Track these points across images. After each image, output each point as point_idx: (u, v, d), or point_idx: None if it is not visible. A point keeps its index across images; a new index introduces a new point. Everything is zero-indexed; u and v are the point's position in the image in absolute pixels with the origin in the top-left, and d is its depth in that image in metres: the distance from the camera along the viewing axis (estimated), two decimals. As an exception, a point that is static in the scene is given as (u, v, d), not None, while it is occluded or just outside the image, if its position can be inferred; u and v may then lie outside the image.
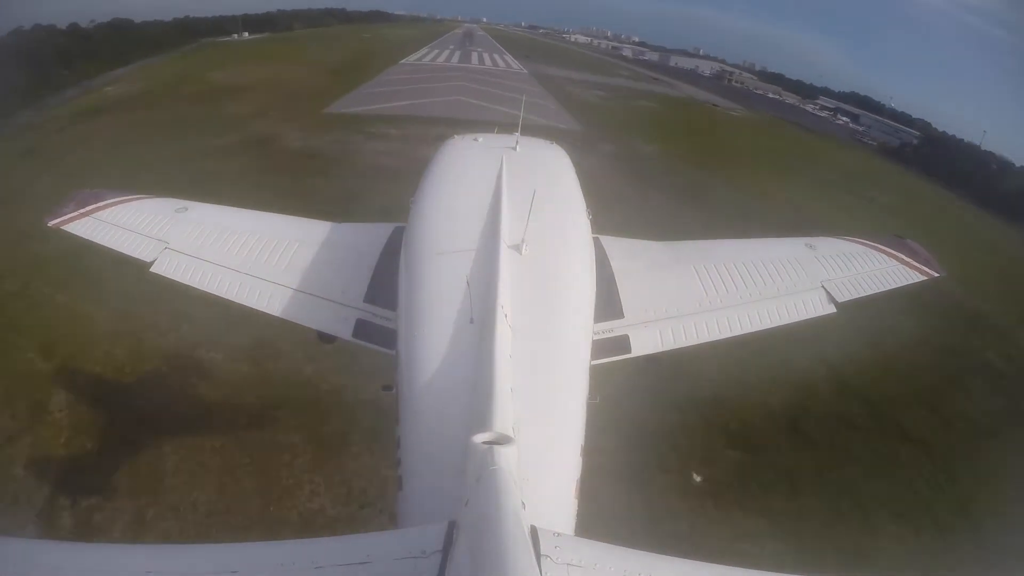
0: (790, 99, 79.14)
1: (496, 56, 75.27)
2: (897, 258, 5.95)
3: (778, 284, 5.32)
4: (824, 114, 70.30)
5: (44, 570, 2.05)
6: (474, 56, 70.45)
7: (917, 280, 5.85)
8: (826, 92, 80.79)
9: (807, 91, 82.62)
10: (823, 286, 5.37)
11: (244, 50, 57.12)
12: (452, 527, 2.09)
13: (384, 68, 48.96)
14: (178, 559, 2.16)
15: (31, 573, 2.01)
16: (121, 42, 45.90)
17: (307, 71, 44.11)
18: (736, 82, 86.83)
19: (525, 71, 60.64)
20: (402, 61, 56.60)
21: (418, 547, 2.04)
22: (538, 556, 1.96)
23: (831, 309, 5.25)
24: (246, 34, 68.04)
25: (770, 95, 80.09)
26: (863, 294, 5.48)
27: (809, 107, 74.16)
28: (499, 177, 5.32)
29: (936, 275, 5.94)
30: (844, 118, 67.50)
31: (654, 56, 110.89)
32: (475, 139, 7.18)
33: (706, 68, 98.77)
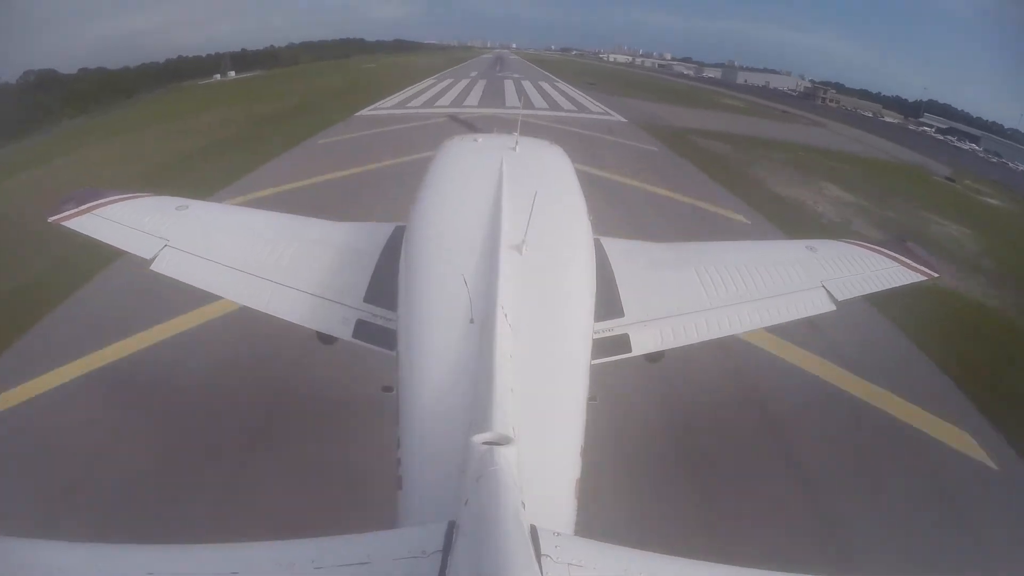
0: (891, 118, 62.89)
1: (546, 85, 50.28)
2: (897, 259, 5.99)
3: (778, 283, 5.34)
4: (965, 145, 50.18)
5: (43, 570, 2.05)
6: (508, 88, 45.55)
7: (916, 280, 5.88)
8: (899, 102, 64.81)
9: (900, 106, 65.29)
10: (823, 285, 5.39)
11: (180, 101, 41.91)
12: (452, 527, 2.09)
13: (295, 143, 24.25)
14: (178, 559, 2.16)
15: (30, 573, 2.01)
16: (32, 106, 33.00)
17: (157, 151, 24.18)
18: (830, 101, 71.77)
19: (615, 116, 35.44)
20: (362, 111, 32.43)
21: (418, 547, 2.04)
22: (538, 555, 1.96)
23: (831, 308, 5.27)
24: (232, 73, 61.60)
25: (885, 119, 62.71)
26: (863, 293, 5.51)
27: (934, 134, 53.84)
28: (499, 177, 5.33)
29: (935, 275, 5.97)
30: (972, 145, 50.31)
31: (715, 73, 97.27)
32: (475, 139, 7.21)
33: (776, 83, 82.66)
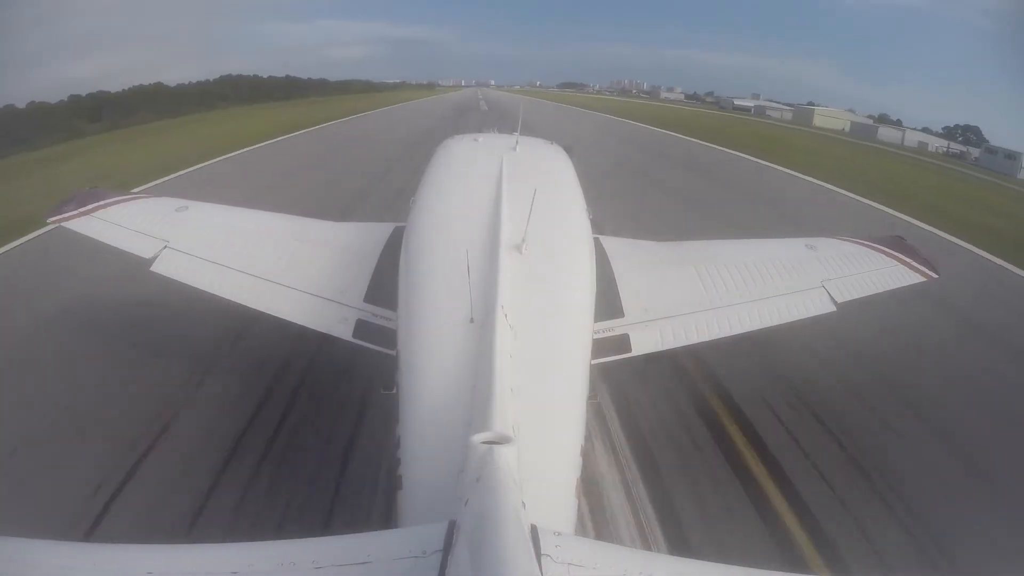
0: None
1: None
2: (897, 258, 5.97)
3: (778, 283, 5.33)
4: None
5: (42, 570, 2.05)
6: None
7: (916, 281, 5.87)
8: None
9: None
10: (823, 286, 5.38)
11: None
12: (452, 527, 2.09)
13: None
14: (177, 559, 2.16)
15: (29, 573, 2.01)
16: None
17: None
18: None
19: None
20: None
21: (418, 547, 2.03)
22: (538, 555, 1.95)
23: (831, 308, 5.26)
24: None
25: None
26: (863, 294, 5.49)
27: None
28: (499, 177, 5.33)
29: (935, 276, 5.95)
30: None
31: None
32: (475, 139, 7.21)
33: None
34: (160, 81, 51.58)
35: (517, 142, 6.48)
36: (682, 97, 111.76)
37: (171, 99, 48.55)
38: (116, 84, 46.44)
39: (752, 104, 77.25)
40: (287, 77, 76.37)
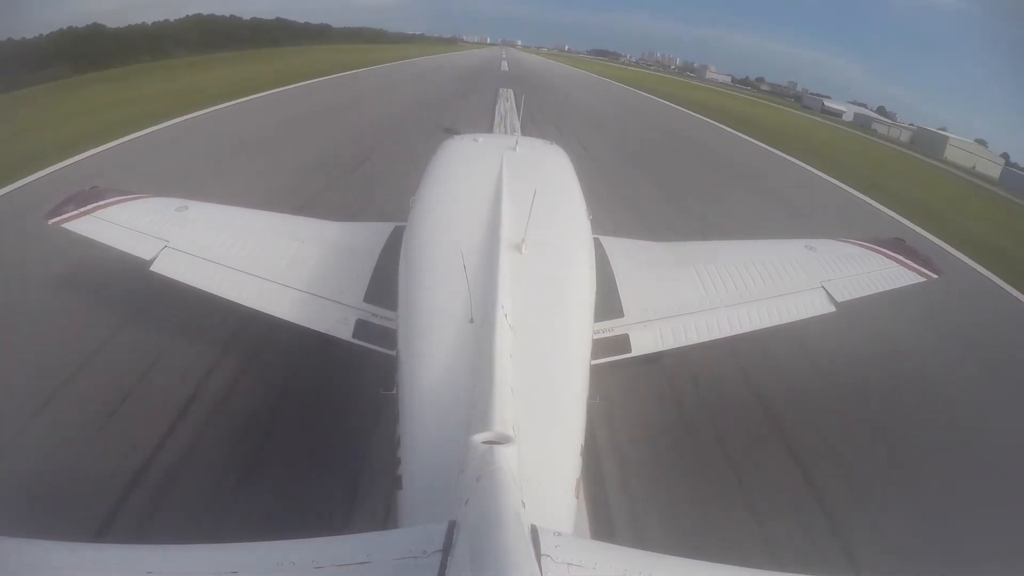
0: None
1: None
2: (896, 260, 5.99)
3: (778, 284, 5.34)
4: None
5: (43, 570, 2.04)
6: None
7: (916, 281, 5.88)
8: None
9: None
10: (823, 286, 5.39)
11: None
12: (452, 526, 2.09)
13: None
14: (178, 559, 2.15)
15: (28, 572, 2.00)
16: None
17: None
18: None
19: None
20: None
21: (418, 547, 2.03)
22: (538, 555, 1.95)
23: (831, 309, 5.27)
24: None
25: None
26: (863, 294, 5.50)
27: None
28: (499, 177, 5.33)
29: (935, 276, 5.96)
30: None
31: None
32: (475, 139, 7.22)
33: None
34: (97, 22, 38.86)
35: (517, 142, 6.48)
36: (729, 80, 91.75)
37: (110, 45, 37.25)
38: (125, 21, 39.04)
39: (848, 109, 56.27)
40: (277, 19, 63.73)
